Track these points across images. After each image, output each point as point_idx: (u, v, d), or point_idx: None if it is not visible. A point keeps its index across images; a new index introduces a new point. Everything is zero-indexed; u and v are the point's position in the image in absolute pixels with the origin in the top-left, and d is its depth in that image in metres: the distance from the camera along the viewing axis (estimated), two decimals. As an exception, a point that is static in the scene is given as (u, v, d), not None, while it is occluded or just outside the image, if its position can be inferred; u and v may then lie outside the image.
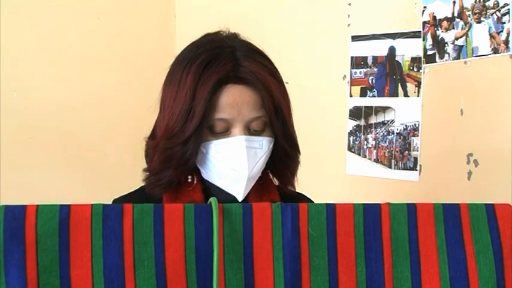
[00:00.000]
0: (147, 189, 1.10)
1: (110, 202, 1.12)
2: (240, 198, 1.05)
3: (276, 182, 1.16)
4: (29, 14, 2.09)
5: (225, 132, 1.04)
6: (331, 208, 0.82)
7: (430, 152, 1.68)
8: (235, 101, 1.02)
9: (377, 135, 1.81)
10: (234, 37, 1.10)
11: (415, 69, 1.71)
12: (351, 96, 1.88)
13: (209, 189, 1.09)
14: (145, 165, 1.13)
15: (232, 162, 1.03)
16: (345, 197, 1.83)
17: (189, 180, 1.09)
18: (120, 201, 1.13)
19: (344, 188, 1.91)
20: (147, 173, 1.11)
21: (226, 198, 1.01)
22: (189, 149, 1.03)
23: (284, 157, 1.10)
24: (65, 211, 0.76)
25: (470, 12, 1.56)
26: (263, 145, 1.05)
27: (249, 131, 1.05)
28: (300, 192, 1.19)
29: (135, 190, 1.16)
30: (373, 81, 1.82)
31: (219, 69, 1.02)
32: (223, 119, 1.03)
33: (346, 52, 1.88)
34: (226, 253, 0.79)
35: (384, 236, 0.82)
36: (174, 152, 1.04)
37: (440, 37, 1.64)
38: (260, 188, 1.11)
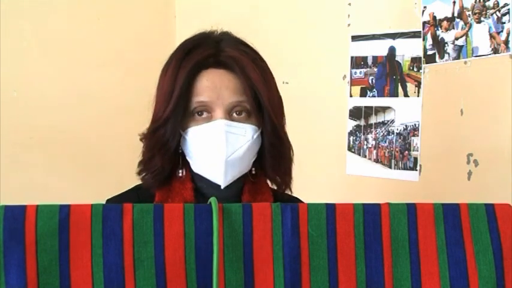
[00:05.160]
0: (141, 182, 1.11)
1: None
2: (222, 184, 1.02)
3: (273, 186, 1.14)
4: (29, 14, 2.09)
5: (207, 118, 1.04)
6: (331, 208, 0.81)
7: (430, 152, 1.68)
8: (214, 84, 1.02)
9: (377, 135, 1.81)
10: (224, 32, 1.12)
11: (415, 69, 1.71)
12: (351, 96, 1.88)
13: (200, 187, 1.08)
14: None
15: (210, 146, 1.02)
16: (345, 197, 1.82)
17: (180, 174, 1.08)
18: (113, 201, 1.12)
19: (344, 188, 1.91)
20: (141, 167, 1.10)
21: (215, 194, 0.94)
22: (168, 130, 1.03)
23: (272, 150, 1.07)
24: (64, 211, 0.76)
25: (470, 12, 1.56)
26: (246, 132, 1.03)
27: (231, 117, 1.04)
28: (296, 196, 1.17)
29: (129, 190, 1.15)
30: (373, 81, 1.82)
31: (200, 54, 1.04)
32: (203, 101, 1.03)
33: (346, 52, 1.88)
34: (226, 253, 0.79)
35: (384, 236, 0.82)
36: (156, 136, 1.05)
37: (440, 37, 1.64)
38: (253, 188, 1.10)
